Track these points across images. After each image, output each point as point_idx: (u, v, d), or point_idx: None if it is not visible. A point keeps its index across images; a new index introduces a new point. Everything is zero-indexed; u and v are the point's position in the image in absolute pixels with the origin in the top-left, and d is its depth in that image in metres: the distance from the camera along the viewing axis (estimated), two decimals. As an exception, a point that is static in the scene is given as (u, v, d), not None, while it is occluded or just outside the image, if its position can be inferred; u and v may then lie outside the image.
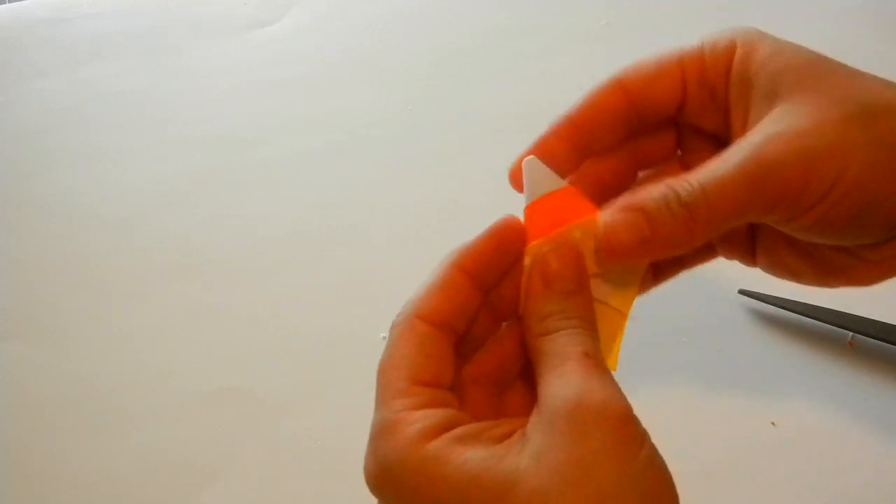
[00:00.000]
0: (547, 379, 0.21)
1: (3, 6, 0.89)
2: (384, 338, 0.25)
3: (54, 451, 0.47)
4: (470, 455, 0.20)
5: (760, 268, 0.28)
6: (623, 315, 0.25)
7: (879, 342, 0.47)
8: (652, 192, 0.24)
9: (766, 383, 0.47)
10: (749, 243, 0.28)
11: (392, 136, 0.67)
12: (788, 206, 0.23)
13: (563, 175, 0.26)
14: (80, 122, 0.71)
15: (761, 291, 0.50)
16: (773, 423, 0.45)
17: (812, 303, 0.49)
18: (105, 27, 0.84)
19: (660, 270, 0.29)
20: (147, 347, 0.52)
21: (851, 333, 0.48)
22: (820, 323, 0.49)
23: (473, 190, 0.61)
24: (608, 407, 0.20)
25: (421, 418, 0.21)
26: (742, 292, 0.51)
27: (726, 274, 0.52)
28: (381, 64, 0.76)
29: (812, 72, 0.24)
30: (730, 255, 0.29)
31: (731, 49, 0.26)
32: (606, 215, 0.24)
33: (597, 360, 0.22)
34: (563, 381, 0.21)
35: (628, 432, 0.20)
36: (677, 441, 0.45)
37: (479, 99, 0.70)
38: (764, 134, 0.23)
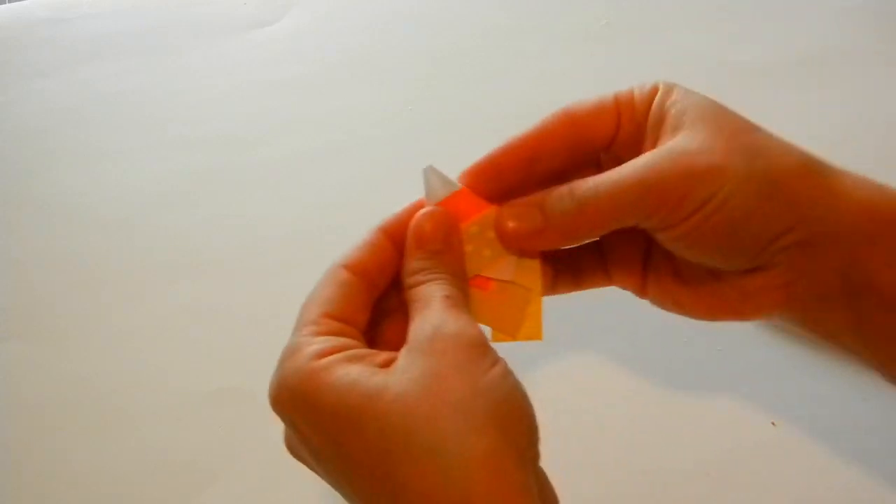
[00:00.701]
0: (414, 320, 0.25)
1: (3, 6, 0.89)
2: None
3: (54, 451, 0.47)
4: (351, 369, 0.24)
5: (650, 300, 0.31)
6: (529, 290, 0.29)
7: (879, 342, 0.47)
8: (553, 189, 0.28)
9: (766, 383, 0.47)
10: (641, 274, 0.31)
11: (392, 136, 0.67)
12: (666, 214, 0.26)
13: (505, 193, 0.29)
14: (80, 122, 0.71)
15: (761, 291, 0.50)
16: (773, 423, 0.45)
17: (812, 303, 0.49)
18: (105, 27, 0.84)
19: (555, 286, 0.32)
20: (147, 347, 0.52)
21: (851, 333, 0.48)
22: (820, 323, 0.49)
23: (473, 190, 0.61)
24: (462, 333, 0.24)
25: (320, 342, 0.25)
26: (742, 292, 0.51)
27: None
28: (381, 64, 0.76)
29: (714, 112, 0.27)
30: (623, 284, 0.32)
31: (654, 91, 0.29)
32: (509, 206, 0.28)
33: (456, 301, 0.25)
34: (425, 317, 0.24)
35: (480, 352, 0.23)
36: (678, 441, 0.45)
37: (479, 99, 0.70)
38: (659, 151, 0.26)
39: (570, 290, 0.32)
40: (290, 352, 0.25)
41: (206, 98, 0.73)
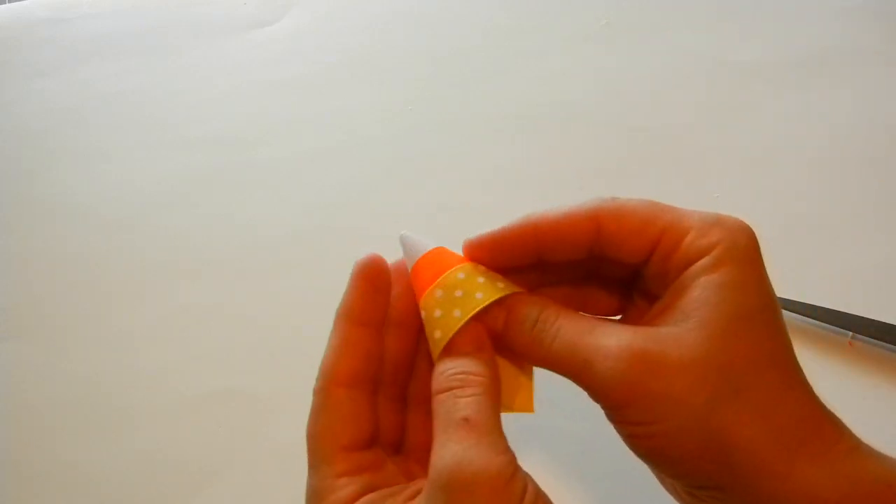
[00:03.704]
0: (435, 440, 0.23)
1: (3, 6, 0.89)
2: None
3: (54, 451, 0.47)
4: None
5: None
6: (521, 361, 0.27)
7: (879, 342, 0.47)
8: (531, 301, 0.26)
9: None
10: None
11: (392, 136, 0.67)
12: (608, 409, 0.24)
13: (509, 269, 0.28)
14: (80, 122, 0.71)
15: (761, 291, 0.50)
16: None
17: (812, 303, 0.49)
18: (105, 27, 0.84)
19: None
20: (147, 347, 0.52)
21: (851, 333, 0.48)
22: (820, 323, 0.49)
23: (473, 190, 0.61)
24: (483, 471, 0.22)
25: (343, 485, 0.24)
26: (742, 292, 0.51)
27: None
28: (381, 64, 0.76)
29: (732, 324, 0.24)
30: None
31: (700, 248, 0.25)
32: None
33: (476, 425, 0.23)
34: (444, 450, 0.23)
35: (505, 488, 0.22)
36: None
37: (479, 99, 0.70)
38: (643, 341, 0.24)
39: None
40: (314, 497, 0.25)
41: (206, 98, 0.73)
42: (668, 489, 0.27)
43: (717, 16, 0.77)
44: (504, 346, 0.26)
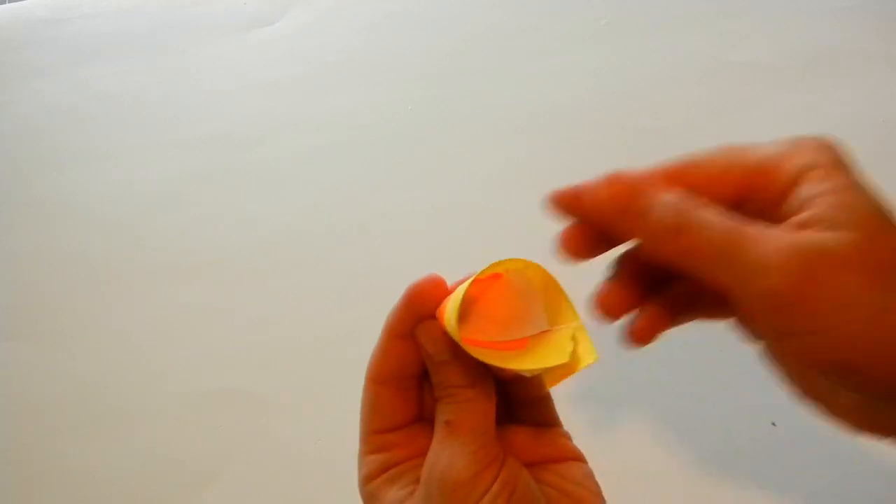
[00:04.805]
0: (432, 440, 0.27)
1: (3, 6, 0.89)
2: None
3: (54, 451, 0.47)
4: (391, 496, 0.27)
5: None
6: (569, 323, 0.28)
7: (879, 342, 0.47)
8: (666, 191, 0.24)
9: (766, 383, 0.47)
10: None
11: (392, 136, 0.67)
12: (760, 315, 0.23)
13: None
14: (80, 122, 0.71)
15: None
16: (773, 424, 0.45)
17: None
18: (105, 27, 0.84)
19: (676, 314, 0.29)
20: (147, 347, 0.52)
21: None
22: (820, 323, 0.49)
23: (473, 190, 0.61)
24: (445, 476, 0.25)
25: (369, 462, 0.28)
26: (742, 292, 0.51)
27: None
28: (381, 64, 0.76)
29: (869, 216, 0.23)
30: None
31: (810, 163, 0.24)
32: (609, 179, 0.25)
33: (453, 428, 0.26)
34: (432, 446, 0.27)
35: (463, 493, 0.25)
36: (678, 441, 0.45)
37: (480, 99, 0.70)
38: (799, 240, 0.22)
39: (686, 321, 0.29)
40: (359, 469, 0.29)
41: (206, 98, 0.73)
42: (837, 413, 0.26)
43: (717, 16, 0.77)
44: (613, 230, 0.25)
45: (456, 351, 0.27)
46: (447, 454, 0.26)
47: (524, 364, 0.26)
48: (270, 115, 0.71)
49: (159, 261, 0.58)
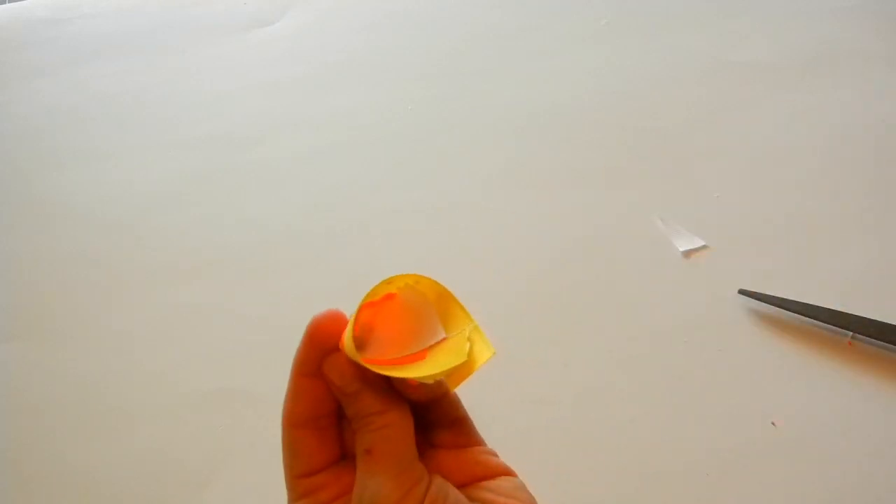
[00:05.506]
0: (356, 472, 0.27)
1: (3, 6, 0.89)
2: None
3: (54, 451, 0.47)
4: None
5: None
6: (462, 330, 0.29)
7: (879, 342, 0.47)
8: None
9: (766, 383, 0.47)
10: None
11: (392, 136, 0.67)
12: None
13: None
14: (80, 122, 0.71)
15: (761, 291, 0.50)
16: (773, 423, 0.45)
17: (812, 303, 0.49)
18: (105, 27, 0.84)
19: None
20: (147, 347, 0.52)
21: (851, 333, 0.48)
22: (820, 323, 0.49)
23: (473, 190, 0.61)
24: (374, 500, 0.26)
25: None
26: (742, 292, 0.51)
27: (726, 274, 0.52)
28: (381, 64, 0.76)
29: None
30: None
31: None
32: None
33: (374, 456, 0.27)
34: (356, 482, 0.27)
35: None
36: (677, 441, 0.45)
37: (480, 99, 0.70)
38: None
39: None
40: None
41: (206, 98, 0.73)
42: None
43: (717, 16, 0.77)
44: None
45: (365, 378, 0.27)
46: (372, 483, 0.26)
47: (424, 371, 0.27)
48: (270, 115, 0.71)
49: (159, 261, 0.58)
